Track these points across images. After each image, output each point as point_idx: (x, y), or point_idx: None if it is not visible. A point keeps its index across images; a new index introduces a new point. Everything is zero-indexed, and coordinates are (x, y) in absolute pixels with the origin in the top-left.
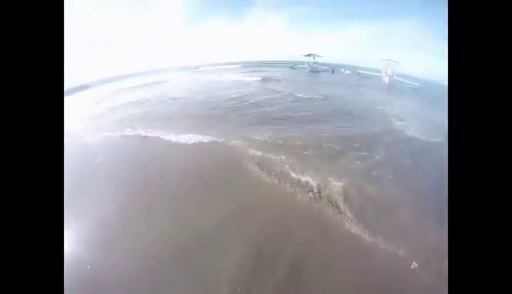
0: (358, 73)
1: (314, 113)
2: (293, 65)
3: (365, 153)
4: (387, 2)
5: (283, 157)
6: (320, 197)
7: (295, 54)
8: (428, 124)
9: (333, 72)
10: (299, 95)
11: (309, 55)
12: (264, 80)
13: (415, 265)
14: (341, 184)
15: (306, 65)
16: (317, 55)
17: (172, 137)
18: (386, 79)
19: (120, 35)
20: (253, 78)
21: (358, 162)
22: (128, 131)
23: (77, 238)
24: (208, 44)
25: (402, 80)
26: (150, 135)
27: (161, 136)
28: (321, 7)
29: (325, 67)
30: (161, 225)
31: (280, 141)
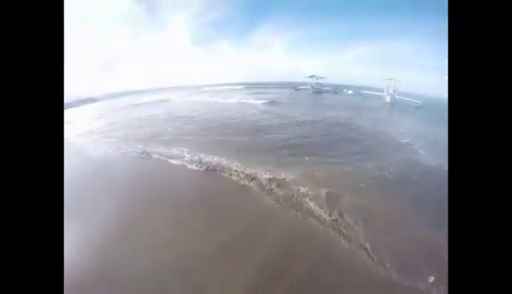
0: (361, 94)
1: (318, 135)
2: (296, 87)
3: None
4: (386, 21)
5: (290, 177)
6: (331, 219)
7: (298, 75)
8: (435, 143)
9: (336, 93)
10: (303, 119)
11: (312, 76)
12: (269, 102)
13: (431, 279)
14: (352, 201)
15: (309, 87)
16: (320, 77)
17: (174, 156)
18: (388, 98)
19: (127, 53)
20: (259, 101)
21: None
22: (129, 148)
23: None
24: (213, 65)
25: (405, 98)
26: (152, 152)
27: (162, 154)
28: (321, 29)
29: (328, 88)
30: (164, 244)
31: (286, 161)
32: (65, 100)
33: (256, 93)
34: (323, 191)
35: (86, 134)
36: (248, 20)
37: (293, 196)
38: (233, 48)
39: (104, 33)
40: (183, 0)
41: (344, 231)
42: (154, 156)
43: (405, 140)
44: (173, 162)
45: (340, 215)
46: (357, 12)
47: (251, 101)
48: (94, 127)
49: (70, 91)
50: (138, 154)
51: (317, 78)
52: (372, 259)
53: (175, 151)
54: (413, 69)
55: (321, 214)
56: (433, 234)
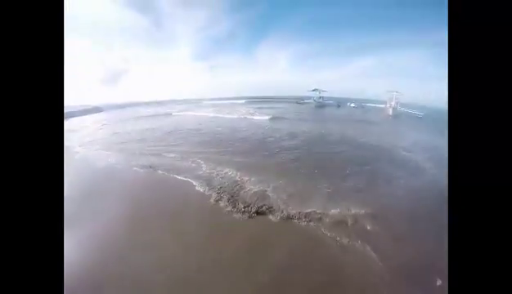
0: (363, 106)
1: (323, 149)
2: (298, 100)
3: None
4: (388, 34)
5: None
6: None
7: (302, 89)
8: (437, 153)
9: (338, 106)
10: (307, 132)
11: (315, 90)
12: (273, 117)
13: (439, 281)
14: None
15: (312, 100)
16: (322, 90)
17: (176, 168)
18: (390, 111)
19: (132, 65)
20: (264, 117)
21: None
22: (131, 159)
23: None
24: (217, 79)
25: (407, 110)
26: (157, 164)
27: (165, 165)
28: (324, 43)
29: (331, 101)
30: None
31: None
32: (71, 109)
33: (260, 108)
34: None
35: (89, 142)
36: (252, 35)
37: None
38: (237, 62)
39: (109, 45)
40: (189, 14)
41: None
42: (142, 169)
43: (409, 155)
44: (178, 177)
45: None
46: (358, 26)
47: (255, 117)
48: (96, 137)
49: (76, 100)
50: (137, 164)
51: (320, 92)
52: None
53: (176, 162)
54: (415, 80)
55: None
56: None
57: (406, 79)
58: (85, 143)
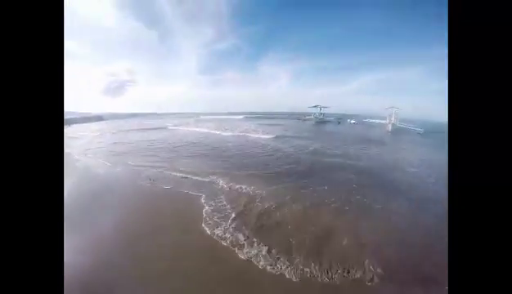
0: (363, 123)
1: (325, 166)
2: (299, 116)
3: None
4: (387, 50)
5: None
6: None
7: (302, 105)
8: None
9: (339, 123)
10: (306, 150)
11: (315, 106)
12: (275, 135)
13: None
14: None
15: (312, 117)
16: (323, 106)
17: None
18: (390, 127)
19: (136, 77)
20: (268, 136)
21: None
22: (125, 167)
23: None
24: (217, 94)
25: (407, 127)
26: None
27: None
28: (325, 60)
29: (332, 118)
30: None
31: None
32: (73, 116)
33: (261, 124)
34: None
35: (88, 150)
36: (254, 51)
37: None
38: (239, 78)
39: (114, 57)
40: (193, 30)
41: None
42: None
43: (412, 170)
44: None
45: None
46: (359, 43)
47: (253, 135)
48: (96, 145)
49: (80, 108)
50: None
51: (321, 108)
52: None
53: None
54: (414, 95)
55: None
56: None
57: (405, 95)
58: (87, 149)
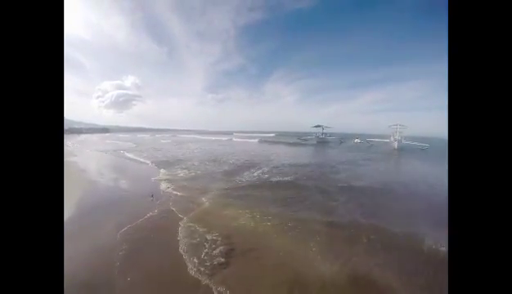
0: (368, 142)
1: (328, 186)
2: (300, 136)
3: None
4: (389, 68)
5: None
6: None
7: (306, 124)
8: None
9: (341, 143)
10: (308, 171)
11: (318, 126)
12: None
13: None
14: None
15: (313, 137)
16: (326, 126)
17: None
18: (395, 144)
19: (143, 93)
20: (271, 151)
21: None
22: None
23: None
24: (223, 112)
25: (412, 143)
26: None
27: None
28: (329, 80)
29: (334, 137)
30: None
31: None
32: (80, 126)
33: (264, 141)
34: None
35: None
36: (260, 71)
37: None
38: (245, 97)
39: (121, 71)
40: (201, 48)
41: None
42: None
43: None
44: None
45: None
46: (361, 62)
47: (260, 150)
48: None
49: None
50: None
51: (323, 128)
52: None
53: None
54: (417, 112)
55: None
56: None
57: (408, 111)
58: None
